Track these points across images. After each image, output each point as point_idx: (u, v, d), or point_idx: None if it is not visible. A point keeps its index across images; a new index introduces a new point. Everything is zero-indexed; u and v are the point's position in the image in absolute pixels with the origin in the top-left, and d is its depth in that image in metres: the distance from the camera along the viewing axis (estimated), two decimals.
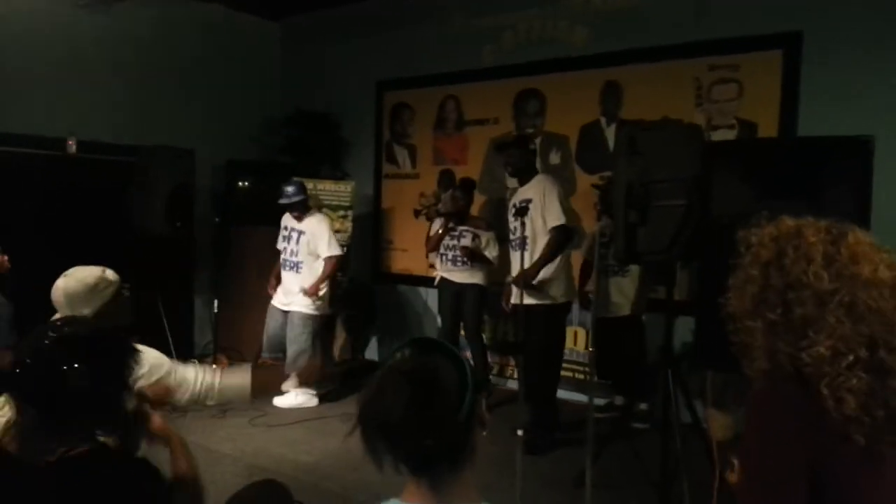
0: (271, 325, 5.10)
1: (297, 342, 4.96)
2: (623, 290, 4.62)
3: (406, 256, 6.23)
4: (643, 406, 4.65)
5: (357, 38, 6.36)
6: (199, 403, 2.40)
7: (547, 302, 4.14)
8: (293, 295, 4.98)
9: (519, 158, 4.31)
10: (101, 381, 1.50)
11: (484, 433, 1.22)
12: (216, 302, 5.43)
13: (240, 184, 6.16)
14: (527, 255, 4.03)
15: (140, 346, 2.34)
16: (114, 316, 2.35)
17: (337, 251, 4.97)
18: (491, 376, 5.34)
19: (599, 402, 4.66)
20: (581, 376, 5.08)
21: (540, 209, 4.11)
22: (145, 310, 5.11)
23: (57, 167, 5.36)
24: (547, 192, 4.13)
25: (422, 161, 6.11)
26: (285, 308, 5.02)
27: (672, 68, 4.61)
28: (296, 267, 4.98)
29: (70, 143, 5.43)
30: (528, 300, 4.00)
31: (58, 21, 5.23)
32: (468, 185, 5.17)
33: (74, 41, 5.37)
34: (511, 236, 4.31)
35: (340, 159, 6.52)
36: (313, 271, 4.96)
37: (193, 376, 2.34)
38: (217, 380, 2.39)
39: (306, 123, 6.41)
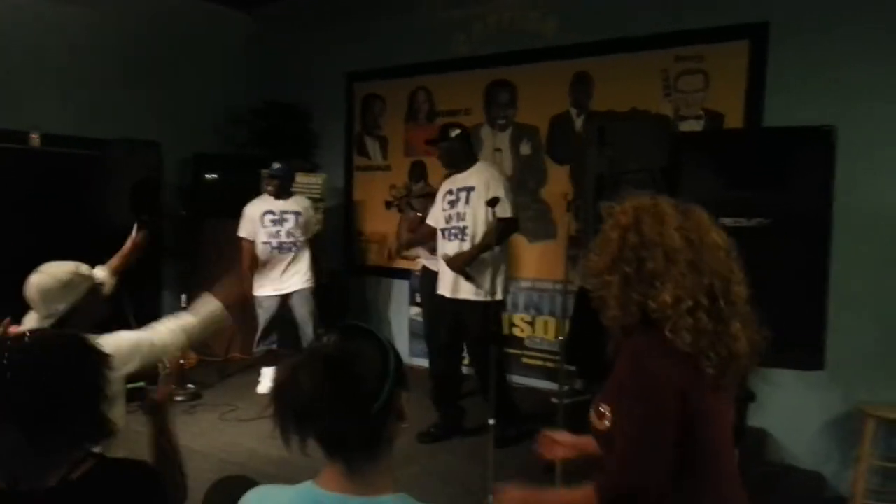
0: (267, 315, 5.06)
1: (311, 319, 5.01)
2: None
3: (378, 248, 6.21)
4: None
5: (327, 28, 6.29)
6: (187, 349, 2.45)
7: (483, 298, 3.92)
8: (292, 276, 4.99)
9: (448, 150, 4.13)
10: (76, 389, 1.44)
11: (404, 425, 1.22)
12: (184, 296, 5.34)
13: (207, 176, 6.08)
14: (465, 245, 3.99)
15: (109, 336, 2.30)
16: (89, 311, 2.34)
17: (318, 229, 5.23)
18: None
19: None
20: (551, 364, 5.12)
21: (484, 198, 3.87)
22: (112, 304, 5.01)
23: (20, 161, 5.23)
24: (493, 183, 3.95)
25: (393, 153, 6.09)
26: (284, 292, 5.00)
27: (640, 59, 4.64)
28: (292, 247, 4.99)
29: (33, 136, 5.30)
30: (464, 294, 3.98)
31: (19, 13, 5.09)
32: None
33: (36, 33, 5.23)
34: (444, 224, 4.13)
35: (311, 151, 6.46)
36: (306, 249, 5.04)
37: (169, 334, 2.35)
38: (191, 321, 2.41)
39: (275, 114, 6.34)
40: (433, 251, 4.90)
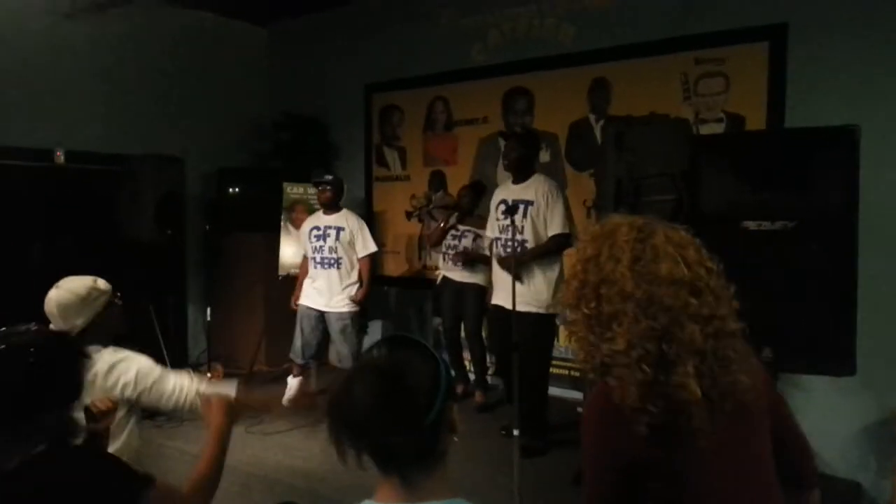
0: (306, 329, 5.02)
1: (349, 341, 4.94)
2: None
3: (398, 259, 6.22)
4: None
5: (344, 41, 6.35)
6: (181, 411, 2.42)
7: (537, 310, 3.98)
8: (336, 294, 4.94)
9: (521, 152, 4.12)
10: (48, 385, 1.53)
11: (455, 439, 1.22)
12: (209, 309, 5.40)
13: (230, 190, 6.14)
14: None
15: (129, 353, 2.33)
16: (107, 325, 2.37)
17: (374, 248, 5.04)
18: (489, 376, 5.33)
19: None
20: (577, 373, 5.07)
21: (542, 213, 3.97)
22: (138, 319, 5.08)
23: (45, 178, 5.33)
24: (552, 199, 4.00)
25: (412, 163, 6.11)
26: (325, 309, 4.97)
27: (659, 63, 4.61)
28: (336, 263, 4.94)
29: (58, 153, 5.40)
30: (519, 307, 3.96)
31: (41, 32, 5.19)
32: (478, 187, 5.16)
33: (59, 51, 5.34)
34: (497, 234, 4.15)
35: (330, 163, 6.50)
36: (353, 265, 4.98)
37: (174, 384, 2.34)
38: (203, 387, 2.38)
39: (295, 127, 6.40)
40: (455, 262, 4.92)
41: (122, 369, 2.27)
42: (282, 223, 5.54)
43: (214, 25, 6.43)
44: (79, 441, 1.66)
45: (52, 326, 2.31)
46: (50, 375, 1.55)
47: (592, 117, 5.02)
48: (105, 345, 2.32)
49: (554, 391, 5.11)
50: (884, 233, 3.68)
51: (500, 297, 4.10)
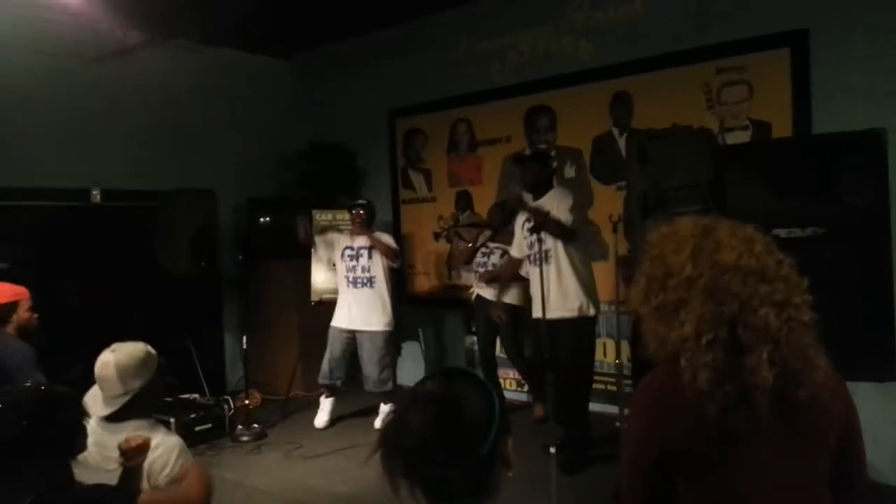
0: (337, 348, 5.14)
1: (382, 362, 5.06)
2: None
3: (428, 279, 6.26)
4: None
5: (366, 69, 6.46)
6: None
7: (573, 316, 4.11)
8: (371, 314, 5.05)
9: (536, 173, 4.29)
10: (38, 442, 1.60)
11: (509, 475, 1.20)
12: (245, 338, 5.49)
13: (261, 220, 6.26)
14: (548, 268, 4.05)
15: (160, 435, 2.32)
16: (159, 389, 2.42)
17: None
18: (526, 394, 5.33)
19: None
20: (613, 388, 5.04)
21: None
22: (177, 350, 5.19)
23: (82, 217, 5.49)
24: (563, 202, 4.13)
25: (438, 184, 6.17)
26: (359, 328, 5.07)
27: (680, 74, 4.62)
28: (369, 282, 5.08)
29: (94, 193, 5.57)
30: (553, 314, 4.00)
31: (74, 76, 5.38)
32: (506, 206, 5.19)
33: (92, 94, 5.52)
34: (528, 251, 4.31)
35: (357, 188, 6.60)
36: (386, 282, 5.12)
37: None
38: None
39: (321, 156, 6.51)
40: (488, 282, 4.95)
41: (166, 455, 2.25)
42: (312, 250, 5.63)
43: (239, 61, 6.60)
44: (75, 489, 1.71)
45: (96, 388, 2.33)
46: (41, 433, 1.61)
47: (616, 131, 5.04)
48: (154, 411, 2.37)
49: (593, 406, 5.10)
50: None
51: (536, 308, 4.13)
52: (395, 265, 5.20)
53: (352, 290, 5.10)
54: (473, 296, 5.25)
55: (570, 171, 5.29)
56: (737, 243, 1.33)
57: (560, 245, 4.11)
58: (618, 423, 4.41)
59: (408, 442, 1.13)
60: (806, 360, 1.27)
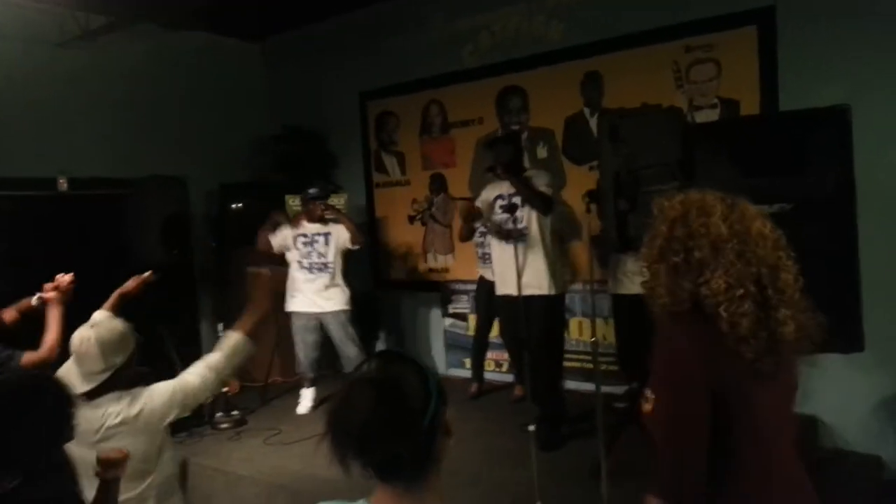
0: (309, 337, 5.14)
1: (352, 340, 5.09)
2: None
3: (403, 263, 6.27)
4: None
5: (336, 52, 6.40)
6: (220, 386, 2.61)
7: (545, 293, 4.14)
8: (331, 295, 5.07)
9: (508, 155, 4.25)
10: (24, 425, 1.59)
11: (451, 442, 1.26)
12: (221, 325, 5.45)
13: (233, 206, 6.20)
14: (522, 246, 4.06)
15: (147, 388, 2.35)
16: (132, 365, 2.40)
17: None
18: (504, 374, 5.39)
19: (619, 390, 4.68)
20: (589, 366, 5.11)
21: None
22: (152, 340, 5.13)
23: (49, 207, 5.38)
24: (538, 178, 4.18)
25: (411, 167, 6.15)
26: (324, 310, 5.07)
27: (649, 53, 4.65)
28: (325, 268, 5.09)
29: (61, 181, 5.46)
30: (526, 291, 4.02)
31: (37, 62, 5.25)
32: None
33: (56, 80, 5.39)
34: (499, 230, 4.26)
35: (330, 172, 6.56)
36: (341, 267, 5.12)
37: (198, 378, 2.46)
38: (216, 358, 2.53)
39: (293, 140, 6.45)
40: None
41: (146, 408, 2.31)
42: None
43: (209, 45, 6.48)
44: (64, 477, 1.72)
45: (69, 365, 2.33)
46: (28, 416, 1.59)
47: (587, 111, 5.06)
48: (133, 384, 2.37)
49: (569, 384, 5.17)
50: (883, 210, 3.71)
51: (507, 285, 4.16)
52: (357, 246, 5.15)
53: (307, 276, 5.10)
54: (477, 277, 5.25)
55: (542, 152, 5.32)
56: (757, 213, 1.55)
57: (535, 222, 4.13)
58: (617, 404, 4.47)
59: (354, 424, 1.18)
60: (809, 320, 1.50)
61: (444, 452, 1.26)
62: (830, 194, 2.68)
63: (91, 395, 2.25)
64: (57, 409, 1.69)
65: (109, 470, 1.98)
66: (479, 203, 4.42)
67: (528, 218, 4.15)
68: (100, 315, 2.50)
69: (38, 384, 1.70)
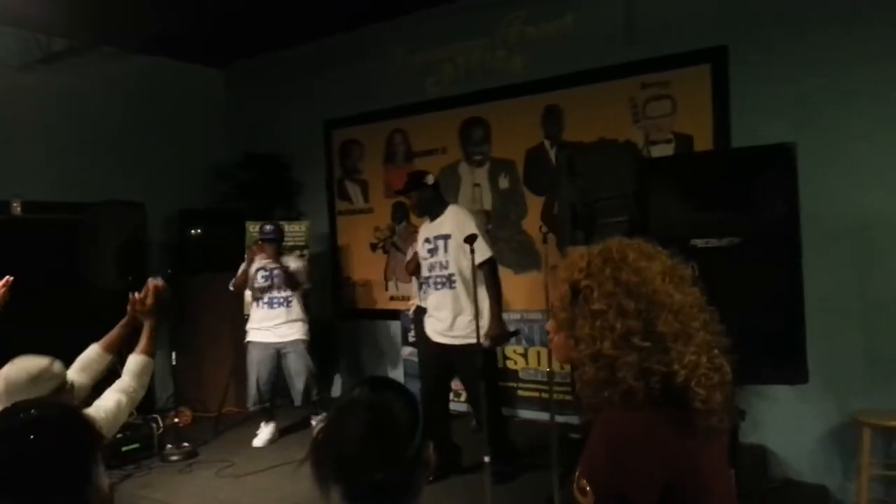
0: (264, 368, 5.06)
1: (306, 370, 5.04)
2: None
3: (365, 291, 6.24)
4: None
5: (301, 79, 6.41)
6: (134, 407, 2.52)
7: (475, 342, 3.89)
8: (291, 325, 5.05)
9: (421, 199, 4.15)
10: (60, 468, 1.36)
11: (430, 478, 1.25)
12: (174, 354, 5.35)
13: (192, 232, 6.12)
14: (454, 292, 4.01)
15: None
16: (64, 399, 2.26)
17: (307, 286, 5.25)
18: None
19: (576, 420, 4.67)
20: (546, 395, 5.11)
21: (460, 244, 3.85)
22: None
23: (2, 231, 5.25)
24: (466, 226, 3.91)
25: (374, 195, 6.16)
26: (281, 340, 5.03)
27: (607, 89, 4.75)
28: (286, 302, 5.07)
29: (14, 205, 5.34)
30: (459, 340, 3.99)
31: None
32: None
33: (15, 102, 5.30)
34: (426, 273, 4.17)
35: (293, 200, 6.52)
36: (299, 299, 5.12)
37: (112, 404, 2.38)
38: (126, 381, 2.49)
39: (255, 167, 6.41)
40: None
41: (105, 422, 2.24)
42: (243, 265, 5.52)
43: (170, 69, 6.45)
44: None
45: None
46: (60, 460, 1.37)
47: (547, 143, 5.14)
48: None
49: (526, 413, 5.17)
50: (831, 241, 3.83)
51: (439, 332, 4.10)
52: (301, 289, 5.15)
53: (268, 311, 5.06)
54: (412, 308, 5.23)
55: (504, 182, 5.37)
56: (659, 251, 1.36)
57: (465, 269, 3.97)
58: (573, 435, 4.43)
59: (343, 448, 1.17)
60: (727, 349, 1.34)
61: (423, 487, 1.24)
62: (776, 228, 2.76)
63: None
64: (82, 446, 1.44)
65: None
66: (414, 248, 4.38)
67: (454, 261, 4.01)
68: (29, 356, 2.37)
69: (68, 415, 1.48)
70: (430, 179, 4.18)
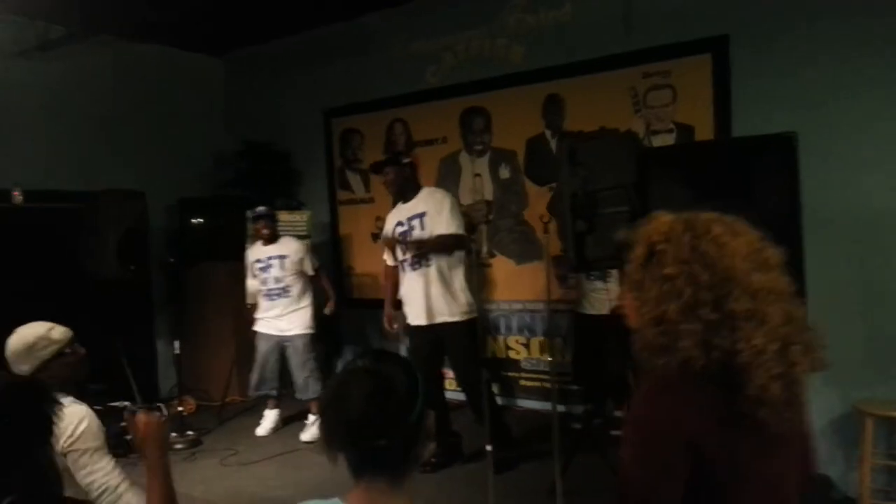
0: (267, 357, 5.06)
1: (307, 367, 5.00)
2: (607, 291, 4.41)
3: (367, 281, 6.25)
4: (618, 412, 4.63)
5: (301, 68, 6.39)
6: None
7: (463, 318, 4.08)
8: (289, 321, 5.00)
9: (397, 175, 4.19)
10: (8, 436, 1.47)
11: (431, 445, 1.30)
12: (177, 343, 5.37)
13: (193, 221, 6.13)
14: (428, 271, 4.04)
15: (82, 408, 2.25)
16: (57, 375, 2.26)
17: (317, 262, 5.19)
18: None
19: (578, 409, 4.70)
20: (549, 385, 5.14)
21: (436, 220, 4.03)
22: (106, 356, 5.03)
23: (3, 220, 5.26)
24: (443, 204, 4.06)
25: (376, 185, 6.12)
26: (279, 334, 5.01)
27: (608, 78, 4.74)
28: (284, 291, 5.01)
29: (16, 194, 5.34)
30: (440, 318, 4.03)
31: None
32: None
33: (13, 90, 5.29)
34: (402, 256, 4.19)
35: (294, 189, 6.52)
36: (304, 289, 5.05)
37: (107, 469, 2.20)
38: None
39: (256, 155, 6.41)
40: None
41: (67, 421, 2.16)
42: (246, 252, 5.53)
43: (170, 58, 6.44)
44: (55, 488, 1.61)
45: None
46: (9, 425, 1.47)
47: (548, 133, 5.13)
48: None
49: (528, 403, 5.20)
50: (835, 231, 3.83)
51: (417, 315, 4.13)
52: (312, 273, 5.11)
53: (269, 303, 5.05)
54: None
55: (505, 172, 5.37)
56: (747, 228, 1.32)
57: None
58: (574, 425, 4.44)
59: (349, 412, 1.22)
60: (812, 340, 1.29)
61: (422, 455, 1.30)
62: (778, 218, 2.75)
63: None
64: (34, 411, 1.53)
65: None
66: (384, 234, 4.36)
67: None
68: (30, 324, 2.39)
69: (6, 390, 1.60)
70: (405, 159, 4.25)
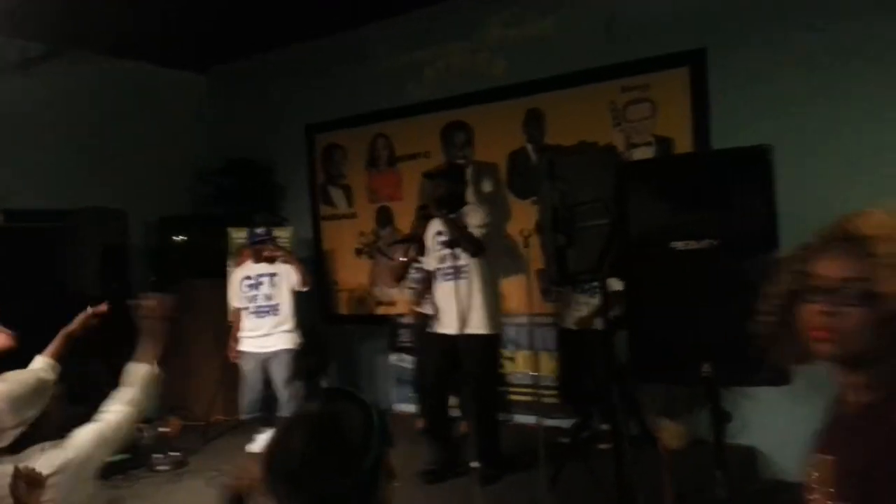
0: (254, 378, 4.99)
1: (292, 382, 4.94)
2: (591, 305, 4.48)
3: (350, 297, 6.23)
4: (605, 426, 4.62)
5: (283, 84, 6.40)
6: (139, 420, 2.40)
7: (487, 332, 4.12)
8: (279, 335, 4.95)
9: (446, 189, 4.22)
10: None
11: (396, 485, 1.23)
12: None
13: (174, 238, 6.09)
14: (462, 284, 4.06)
15: (74, 437, 2.24)
16: (56, 413, 2.28)
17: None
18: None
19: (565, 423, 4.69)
20: (531, 398, 5.14)
21: (469, 217, 4.11)
22: (87, 376, 4.96)
23: None
24: (478, 211, 4.17)
25: (358, 200, 6.15)
26: (267, 350, 4.95)
27: (588, 92, 4.79)
28: (273, 310, 4.96)
29: None
30: (469, 330, 4.03)
31: None
32: (425, 211, 5.18)
33: None
34: (437, 265, 4.23)
35: (276, 205, 6.50)
36: (292, 310, 5.00)
37: (118, 415, 2.32)
38: (130, 392, 2.39)
39: (238, 172, 6.39)
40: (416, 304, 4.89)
41: (76, 456, 2.17)
42: (228, 269, 5.51)
43: (151, 74, 6.42)
44: None
45: None
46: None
47: (530, 147, 5.16)
48: (54, 436, 2.27)
49: (513, 417, 5.18)
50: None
51: (449, 323, 4.13)
52: (306, 288, 5.07)
53: (256, 321, 4.99)
54: (414, 313, 5.17)
55: (487, 186, 5.39)
56: None
57: (474, 261, 4.08)
58: (561, 440, 4.42)
59: (289, 463, 1.15)
60: None
61: (389, 497, 1.22)
62: (755, 230, 2.78)
63: (14, 449, 2.15)
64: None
65: (28, 491, 1.87)
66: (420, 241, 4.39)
67: (469, 258, 4.10)
68: (13, 371, 2.38)
69: None
70: (468, 175, 4.23)
